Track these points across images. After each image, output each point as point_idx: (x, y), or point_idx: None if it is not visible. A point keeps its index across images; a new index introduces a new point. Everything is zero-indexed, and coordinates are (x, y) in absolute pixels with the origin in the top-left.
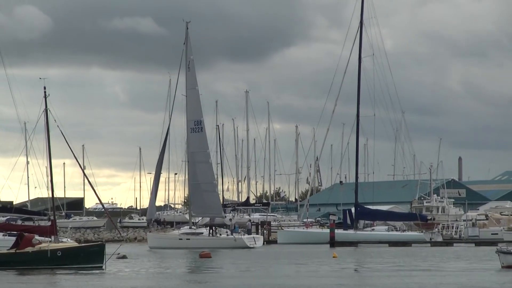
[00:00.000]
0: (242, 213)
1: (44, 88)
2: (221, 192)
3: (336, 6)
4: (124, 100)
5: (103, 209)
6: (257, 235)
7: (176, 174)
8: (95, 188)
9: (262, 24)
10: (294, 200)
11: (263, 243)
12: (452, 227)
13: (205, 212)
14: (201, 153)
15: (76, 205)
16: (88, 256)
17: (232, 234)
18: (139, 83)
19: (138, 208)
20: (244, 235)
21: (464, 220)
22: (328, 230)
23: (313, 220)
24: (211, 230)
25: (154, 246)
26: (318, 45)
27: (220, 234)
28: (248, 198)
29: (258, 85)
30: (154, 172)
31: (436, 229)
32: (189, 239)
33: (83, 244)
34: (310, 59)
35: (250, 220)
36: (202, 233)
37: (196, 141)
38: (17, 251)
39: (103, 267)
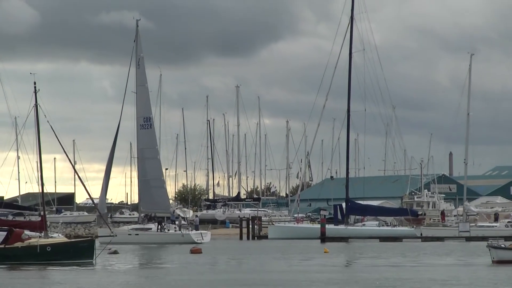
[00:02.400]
0: (233, 208)
1: (34, 83)
2: (212, 187)
3: (324, 0)
4: (112, 94)
5: (93, 204)
6: (205, 231)
7: (167, 169)
8: (85, 183)
9: (250, 18)
10: (285, 195)
11: (210, 239)
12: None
13: (153, 208)
14: (150, 149)
15: (67, 200)
16: (78, 252)
17: (180, 230)
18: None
19: (129, 203)
20: (191, 230)
21: (455, 216)
22: (319, 225)
23: (304, 215)
24: (159, 226)
25: (104, 242)
26: (306, 39)
27: (168, 230)
28: (239, 193)
29: (247, 80)
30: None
31: (426, 223)
32: (138, 234)
33: (73, 240)
34: (298, 54)
35: (197, 216)
36: (150, 228)
37: (145, 138)
38: (6, 246)
39: (93, 262)
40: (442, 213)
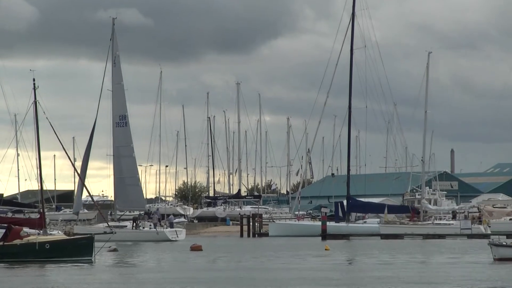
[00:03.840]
0: (234, 206)
1: (34, 80)
2: (212, 185)
3: None
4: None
5: (93, 202)
6: (180, 229)
7: (167, 166)
8: (84, 181)
9: (250, 15)
10: (285, 193)
11: (185, 236)
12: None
13: (129, 206)
14: (126, 147)
15: (66, 197)
16: (77, 249)
17: (155, 228)
18: (128, 74)
19: None
20: (166, 228)
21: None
22: (319, 223)
23: (305, 213)
24: (134, 223)
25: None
26: (306, 37)
27: (143, 227)
28: (239, 190)
29: (247, 77)
30: (146, 164)
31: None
32: (106, 231)
33: (71, 237)
34: (298, 51)
35: (172, 214)
36: (125, 226)
37: (120, 136)
38: (4, 243)
39: (92, 260)
40: (413, 209)
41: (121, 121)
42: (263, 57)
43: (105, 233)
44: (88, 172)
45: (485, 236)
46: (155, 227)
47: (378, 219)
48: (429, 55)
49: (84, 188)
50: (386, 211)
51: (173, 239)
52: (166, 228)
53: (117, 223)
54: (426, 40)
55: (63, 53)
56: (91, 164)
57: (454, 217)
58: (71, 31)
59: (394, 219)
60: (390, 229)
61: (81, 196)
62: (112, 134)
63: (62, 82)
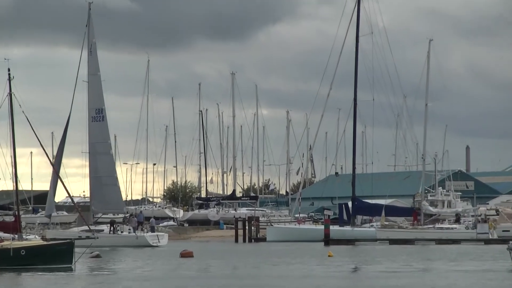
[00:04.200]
0: (228, 208)
1: (9, 70)
2: (205, 185)
3: None
4: None
5: (73, 203)
6: (161, 233)
7: (155, 164)
8: (63, 180)
9: None
10: (285, 194)
11: (167, 241)
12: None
13: (106, 208)
14: (102, 144)
15: (44, 198)
16: (55, 255)
17: (135, 232)
18: (112, 63)
19: None
20: (147, 232)
21: (472, 216)
22: (322, 227)
23: (306, 216)
24: (112, 227)
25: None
26: (307, 22)
27: (122, 232)
28: (234, 191)
29: (242, 67)
30: (132, 162)
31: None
32: (88, 236)
33: (50, 242)
34: (299, 37)
35: (154, 217)
36: (102, 230)
37: (97, 131)
38: None
39: (72, 267)
40: (414, 212)
41: (97, 115)
42: (260, 45)
43: (87, 237)
44: (67, 170)
45: (504, 241)
46: (134, 231)
47: (386, 223)
48: (430, 42)
49: (64, 189)
50: (383, 213)
51: (154, 244)
52: (147, 232)
53: (93, 227)
54: (437, 25)
55: (41, 40)
56: (70, 162)
57: (457, 221)
58: (49, 16)
59: (404, 222)
60: (386, 234)
61: (54, 197)
62: (87, 130)
63: (39, 72)
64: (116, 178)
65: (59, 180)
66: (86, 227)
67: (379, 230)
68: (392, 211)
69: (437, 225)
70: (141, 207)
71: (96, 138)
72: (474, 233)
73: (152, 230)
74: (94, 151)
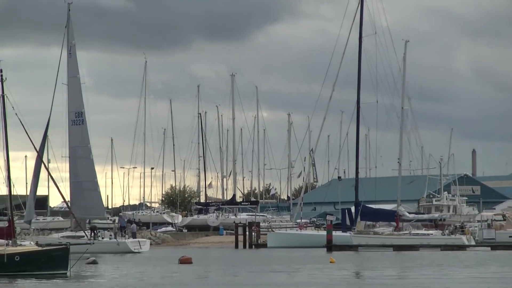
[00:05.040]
0: (228, 213)
1: (1, 71)
2: (204, 189)
3: None
4: (91, 84)
5: (68, 208)
6: (143, 239)
7: (152, 168)
8: (59, 185)
9: None
10: (286, 198)
11: (149, 247)
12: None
13: (86, 213)
14: (82, 148)
15: (39, 203)
16: (50, 261)
17: (116, 238)
18: (107, 64)
19: (110, 207)
20: (128, 238)
21: (478, 221)
22: (324, 232)
23: (308, 221)
24: (92, 233)
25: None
26: (308, 22)
27: (103, 238)
28: (234, 196)
29: (242, 68)
30: (129, 166)
31: (447, 231)
32: (68, 242)
33: (44, 248)
34: (300, 38)
35: (134, 222)
36: (83, 236)
37: (77, 135)
38: None
39: (68, 273)
40: (396, 216)
41: (77, 119)
42: (259, 45)
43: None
44: (64, 175)
45: (511, 247)
46: (115, 237)
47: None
48: (406, 44)
49: (59, 193)
50: (358, 218)
51: (136, 250)
52: (128, 238)
53: (73, 233)
54: (443, 25)
55: (33, 40)
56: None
57: (436, 226)
58: (41, 15)
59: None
60: (361, 240)
61: (34, 202)
62: (67, 133)
63: (32, 73)
64: (97, 183)
65: (54, 185)
66: (67, 233)
67: (354, 236)
68: (374, 215)
69: (412, 231)
70: (138, 213)
71: (76, 142)
72: (450, 239)
73: (133, 236)
74: (74, 156)
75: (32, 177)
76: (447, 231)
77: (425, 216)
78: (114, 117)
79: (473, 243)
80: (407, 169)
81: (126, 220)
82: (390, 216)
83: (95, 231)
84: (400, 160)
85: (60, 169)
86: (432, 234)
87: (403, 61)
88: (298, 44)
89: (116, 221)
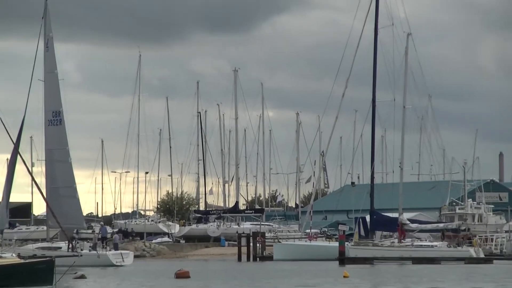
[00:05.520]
0: (230, 222)
1: None
2: (203, 196)
3: None
4: (78, 80)
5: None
6: (126, 251)
7: (147, 173)
8: (43, 191)
9: None
10: (294, 206)
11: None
12: (492, 239)
13: (64, 222)
14: (60, 150)
15: (22, 211)
16: (34, 275)
17: (95, 249)
18: (98, 59)
19: (100, 215)
20: (110, 250)
21: (506, 231)
22: (336, 244)
23: (318, 231)
24: (70, 245)
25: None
26: (318, 13)
27: (82, 249)
28: (237, 203)
29: (245, 63)
30: (121, 171)
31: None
32: (44, 254)
33: (28, 260)
34: (309, 30)
35: (117, 233)
36: (60, 247)
37: (54, 136)
38: None
39: None
40: (399, 226)
41: (54, 118)
42: (265, 38)
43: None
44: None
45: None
46: (95, 249)
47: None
48: (408, 37)
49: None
50: (356, 228)
51: (118, 263)
52: (110, 250)
53: (49, 244)
54: (466, 17)
55: (18, 32)
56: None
57: (443, 237)
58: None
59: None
60: (358, 252)
61: (7, 209)
62: (43, 134)
63: (15, 69)
64: (75, 189)
65: (38, 191)
66: (43, 244)
67: (351, 248)
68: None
69: (415, 243)
70: (131, 221)
71: (53, 144)
72: (456, 251)
73: (115, 247)
74: (51, 159)
75: (5, 181)
76: (454, 243)
77: (429, 226)
78: (105, 116)
79: (482, 255)
80: (427, 174)
81: (117, 230)
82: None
83: (73, 242)
84: (402, 165)
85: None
86: (436, 246)
87: (405, 55)
88: (307, 37)
89: (97, 230)
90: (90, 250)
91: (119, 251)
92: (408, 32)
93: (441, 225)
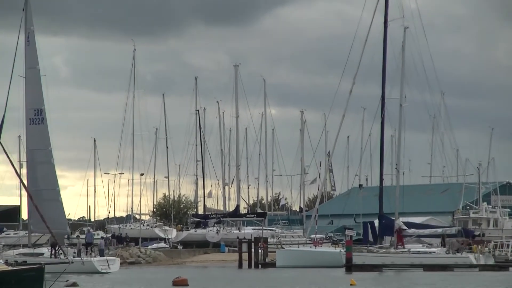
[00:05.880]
0: (230, 227)
1: None
2: (202, 199)
3: None
4: (67, 75)
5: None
6: (112, 258)
7: (142, 174)
8: (31, 194)
9: None
10: (298, 210)
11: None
12: (508, 245)
13: (46, 227)
14: (42, 151)
15: (10, 215)
16: (22, 283)
17: (80, 256)
18: (90, 53)
19: (92, 219)
20: (95, 256)
21: None
22: (343, 249)
23: (324, 236)
24: (53, 250)
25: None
26: (324, 4)
27: (65, 256)
28: (237, 206)
29: (245, 57)
30: (115, 172)
31: (487, 249)
32: (26, 261)
33: (15, 268)
34: (313, 22)
35: (103, 237)
36: (42, 254)
37: (36, 136)
38: None
39: None
40: (398, 233)
41: (36, 117)
42: (267, 31)
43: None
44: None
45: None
46: (79, 255)
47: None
48: (405, 30)
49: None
50: (346, 231)
51: (104, 271)
52: (95, 256)
53: (31, 250)
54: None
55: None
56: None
57: (444, 243)
58: None
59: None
60: (366, 259)
61: None
62: (25, 134)
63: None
64: (58, 192)
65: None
66: (25, 250)
67: (344, 254)
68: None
69: (411, 249)
70: (125, 226)
71: (35, 144)
72: (455, 258)
73: (101, 253)
74: (33, 160)
75: None
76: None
77: (427, 231)
78: (97, 115)
79: (483, 262)
80: (440, 176)
81: (110, 234)
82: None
83: (56, 248)
84: (398, 167)
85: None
86: (434, 252)
87: (402, 50)
88: (312, 30)
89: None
90: (74, 257)
91: (104, 258)
92: (406, 26)
93: (439, 230)
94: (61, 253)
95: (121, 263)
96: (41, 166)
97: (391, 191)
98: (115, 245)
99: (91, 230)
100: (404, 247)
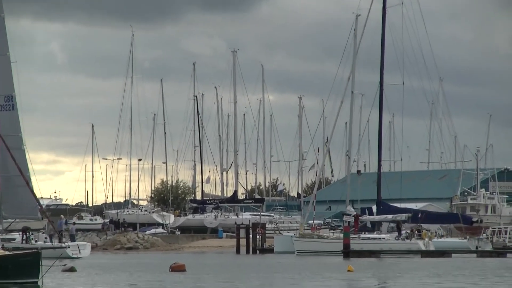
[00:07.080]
0: (228, 213)
1: None
2: (200, 185)
3: None
4: (64, 61)
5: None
6: (83, 243)
7: (140, 160)
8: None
9: None
10: (296, 196)
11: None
12: (506, 231)
13: (18, 213)
14: (13, 137)
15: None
16: (19, 268)
17: (51, 241)
18: (88, 39)
19: (90, 205)
20: (66, 242)
21: None
22: (341, 236)
23: (322, 222)
24: (24, 236)
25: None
26: None
27: (36, 241)
28: (235, 192)
29: (243, 43)
30: (112, 157)
31: (484, 235)
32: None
33: (12, 253)
34: (311, 7)
35: (74, 223)
36: (14, 239)
37: (6, 122)
38: None
39: (39, 282)
40: (356, 218)
41: (6, 103)
42: (265, 16)
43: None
44: (34, 167)
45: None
46: (51, 240)
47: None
48: (357, 18)
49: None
50: (301, 219)
51: (75, 256)
52: (66, 242)
53: (2, 236)
54: None
55: None
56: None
57: (399, 230)
58: None
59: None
60: (304, 245)
61: None
62: None
63: None
64: (29, 178)
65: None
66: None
67: (296, 240)
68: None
69: (361, 235)
70: (123, 211)
71: (5, 130)
72: (405, 244)
73: (72, 239)
74: (3, 146)
75: None
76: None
77: (377, 218)
78: (95, 100)
79: (432, 248)
80: (437, 162)
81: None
82: (415, 218)
83: (27, 233)
84: (349, 153)
85: (48, 160)
86: (384, 238)
87: (354, 37)
88: (310, 15)
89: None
90: (45, 242)
91: (75, 243)
92: (357, 13)
93: (389, 216)
94: (32, 239)
95: (118, 248)
96: (11, 152)
97: (389, 177)
98: (113, 230)
99: (63, 217)
100: (356, 233)
